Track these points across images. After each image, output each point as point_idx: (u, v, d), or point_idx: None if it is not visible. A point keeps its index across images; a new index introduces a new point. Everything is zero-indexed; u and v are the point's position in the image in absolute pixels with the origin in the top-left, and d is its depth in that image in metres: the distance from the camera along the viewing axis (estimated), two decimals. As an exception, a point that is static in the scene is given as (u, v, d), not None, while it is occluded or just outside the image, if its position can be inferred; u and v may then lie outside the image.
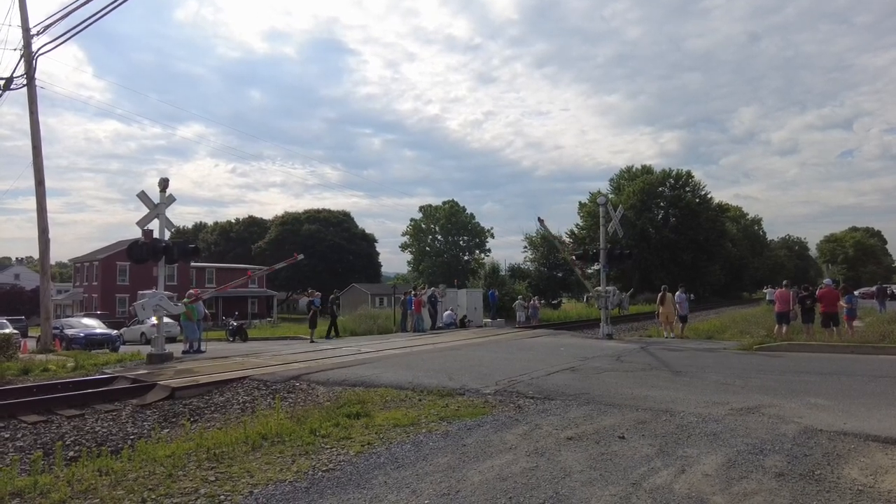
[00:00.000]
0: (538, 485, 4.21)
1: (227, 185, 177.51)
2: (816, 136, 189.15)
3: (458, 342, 16.47)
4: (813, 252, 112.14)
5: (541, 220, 27.33)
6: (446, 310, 25.71)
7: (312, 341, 19.02)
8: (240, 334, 25.55)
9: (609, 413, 6.58)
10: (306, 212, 75.88)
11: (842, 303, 15.32)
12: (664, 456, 4.85)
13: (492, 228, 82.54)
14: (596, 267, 20.85)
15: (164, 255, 13.26)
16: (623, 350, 13.50)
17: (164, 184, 13.45)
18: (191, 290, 17.28)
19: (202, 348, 16.06)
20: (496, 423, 6.25)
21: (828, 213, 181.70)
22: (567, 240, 64.18)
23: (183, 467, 4.94)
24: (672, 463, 4.65)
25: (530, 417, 6.47)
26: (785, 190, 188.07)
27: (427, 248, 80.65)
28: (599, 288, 18.06)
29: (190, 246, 14.98)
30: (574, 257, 20.72)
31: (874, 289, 32.19)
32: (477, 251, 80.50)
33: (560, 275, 58.57)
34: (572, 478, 4.35)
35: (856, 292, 24.82)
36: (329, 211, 76.74)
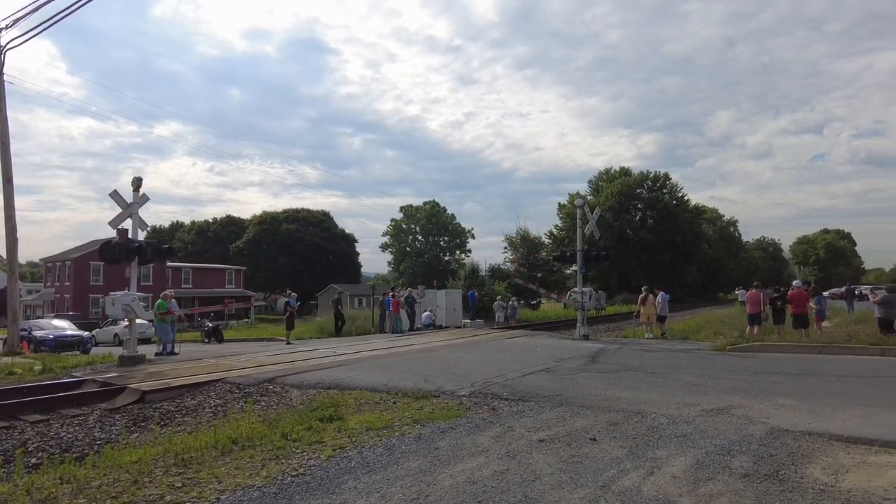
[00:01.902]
0: (508, 488, 4.22)
1: (204, 184, 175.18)
2: (790, 141, 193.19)
3: (436, 343, 16.45)
4: (787, 253, 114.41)
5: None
6: (425, 311, 25.67)
7: (289, 343, 18.84)
8: (215, 336, 25.20)
9: (582, 415, 6.63)
10: (285, 211, 75.13)
11: (811, 304, 15.64)
12: (634, 458, 4.89)
13: (472, 229, 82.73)
14: (574, 268, 20.97)
15: (138, 256, 13.04)
16: (598, 351, 13.61)
17: (137, 183, 13.22)
18: (166, 291, 17.01)
19: (176, 350, 15.81)
20: (470, 425, 6.25)
21: (801, 215, 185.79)
22: (546, 241, 64.66)
23: (149, 473, 4.85)
24: (642, 465, 4.69)
25: (504, 419, 6.48)
26: (760, 192, 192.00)
27: (408, 249, 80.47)
28: (576, 289, 18.19)
29: (164, 246, 14.77)
30: (552, 258, 20.81)
31: (843, 290, 32.96)
32: (457, 252, 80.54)
33: (539, 275, 58.91)
34: (542, 480, 4.37)
35: (826, 293, 25.38)
36: (308, 211, 76.07)
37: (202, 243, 79.35)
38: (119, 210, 12.95)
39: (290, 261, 67.25)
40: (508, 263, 59.30)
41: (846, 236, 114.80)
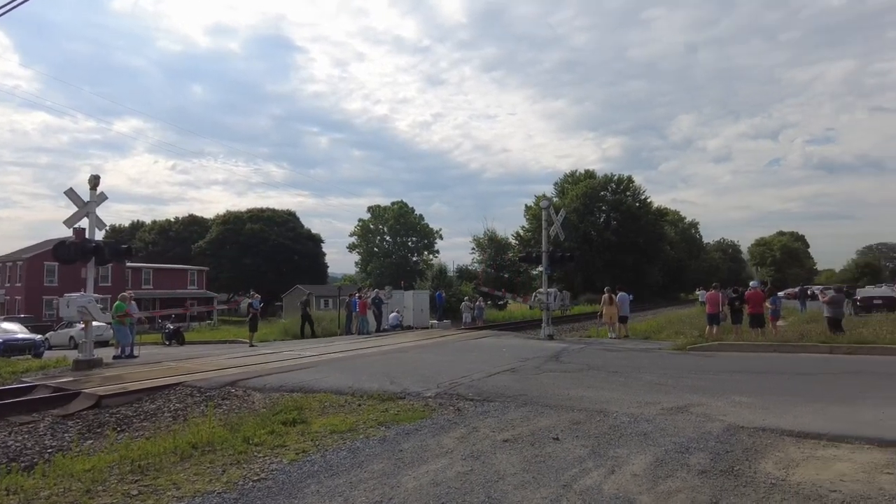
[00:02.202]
0: (471, 489, 4.23)
1: (166, 183, 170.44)
2: (748, 145, 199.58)
3: (403, 345, 16.41)
4: (745, 255, 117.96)
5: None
6: (392, 312, 25.57)
7: (252, 345, 18.52)
8: (176, 338, 24.57)
9: (546, 414, 6.70)
10: (249, 211, 73.83)
11: (767, 304, 16.15)
12: (596, 457, 4.97)
13: (440, 230, 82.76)
14: (540, 269, 21.20)
15: (94, 256, 12.65)
16: (563, 350, 13.78)
17: (94, 181, 12.81)
18: (124, 292, 16.52)
19: (135, 353, 15.38)
20: (435, 426, 6.25)
21: (758, 217, 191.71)
22: (513, 242, 65.19)
23: (103, 482, 4.70)
24: (603, 463, 4.77)
25: (469, 420, 6.51)
26: (720, 195, 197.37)
27: (375, 249, 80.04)
28: (541, 290, 18.39)
29: (123, 246, 14.36)
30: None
31: (797, 290, 34.17)
32: (425, 252, 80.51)
33: (507, 276, 59.34)
34: (506, 481, 4.40)
35: (781, 293, 26.24)
36: (273, 210, 74.91)
37: (164, 243, 77.38)
38: (75, 209, 12.53)
39: (254, 261, 66.12)
40: (476, 264, 59.66)
41: (800, 238, 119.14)
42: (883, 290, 31.13)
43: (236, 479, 4.70)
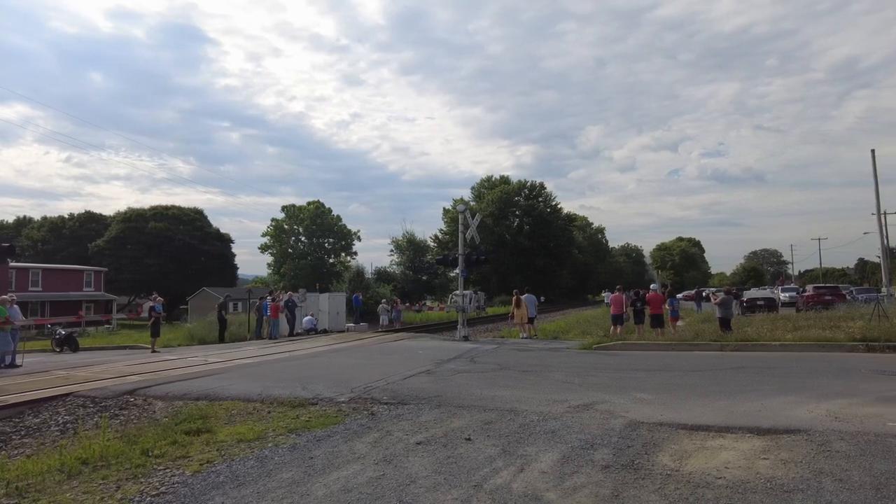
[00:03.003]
0: (383, 494, 4.20)
1: (59, 176, 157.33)
2: (651, 156, 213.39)
3: (317, 349, 16.05)
4: (648, 259, 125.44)
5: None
6: (306, 315, 24.95)
7: (154, 351, 17.44)
8: (69, 344, 22.63)
9: (459, 415, 6.78)
10: (153, 208, 69.36)
11: (666, 305, 17.25)
12: (506, 456, 5.08)
13: (359, 231, 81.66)
14: (456, 271, 21.45)
15: (-34, 256, 11.41)
16: (477, 351, 14.02)
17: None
18: (4, 296, 15.01)
19: (17, 362, 14.03)
20: (347, 432, 6.16)
21: (660, 224, 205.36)
22: (432, 244, 65.63)
23: (-27, 506, 4.25)
24: (513, 462, 4.89)
25: (382, 424, 6.46)
26: (625, 202, 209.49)
27: (290, 250, 77.68)
28: (457, 292, 18.62)
29: (4, 244, 13.08)
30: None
31: (693, 292, 36.74)
32: (343, 254, 79.21)
33: (425, 278, 59.66)
34: (417, 484, 4.40)
35: (680, 295, 28.11)
36: (179, 208, 70.81)
37: (56, 241, 71.08)
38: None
39: (158, 262, 62.20)
40: (395, 266, 59.50)
41: (697, 244, 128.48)
42: (765, 292, 34.09)
43: (132, 494, 4.40)
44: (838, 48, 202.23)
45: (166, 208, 69.49)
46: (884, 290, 28.90)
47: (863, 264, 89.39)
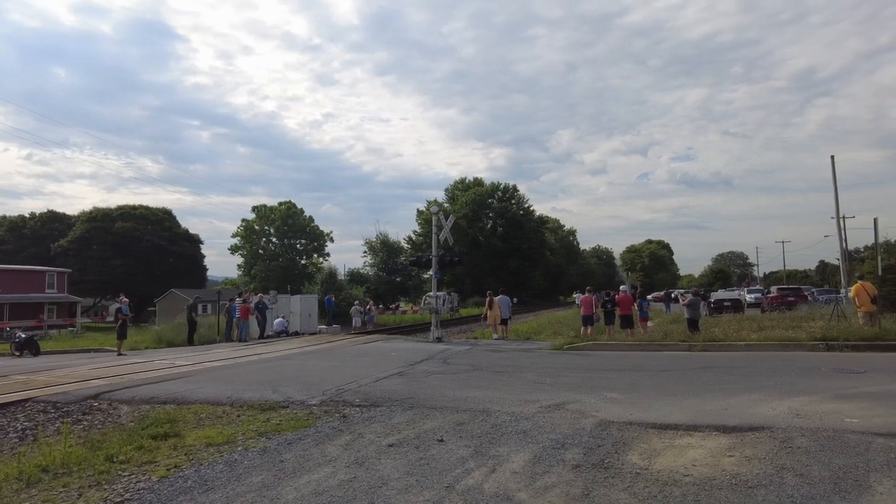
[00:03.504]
0: (354, 496, 4.17)
1: (20, 174, 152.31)
2: (621, 160, 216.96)
3: (288, 351, 15.87)
4: (618, 261, 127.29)
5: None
6: (277, 317, 24.64)
7: (120, 354, 17.01)
8: (29, 347, 21.89)
9: (431, 416, 6.77)
10: (120, 207, 67.57)
11: (635, 306, 17.52)
12: (478, 456, 5.10)
13: (331, 232, 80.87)
14: (430, 273, 21.45)
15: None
16: (451, 352, 14.04)
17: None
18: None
19: (-28, 367, 13.54)
20: (319, 434, 6.10)
21: (630, 226, 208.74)
22: (406, 246, 65.49)
23: (-76, 517, 4.08)
24: (485, 463, 4.90)
25: (354, 426, 6.42)
26: (596, 205, 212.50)
27: (260, 252, 76.56)
28: (430, 294, 18.63)
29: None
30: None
31: (662, 293, 37.42)
32: (315, 255, 78.42)
33: (398, 279, 59.51)
34: (389, 486, 4.38)
35: (648, 297, 28.59)
36: (147, 208, 69.16)
37: (16, 241, 68.70)
38: None
39: (125, 262, 60.63)
40: (368, 268, 59.19)
41: (666, 246, 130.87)
42: (732, 294, 34.91)
43: (95, 502, 4.29)
44: (799, 58, 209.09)
45: (134, 208, 67.84)
46: (843, 291, 29.87)
47: (823, 266, 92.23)
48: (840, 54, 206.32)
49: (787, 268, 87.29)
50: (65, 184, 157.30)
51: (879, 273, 19.55)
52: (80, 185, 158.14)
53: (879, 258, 26.46)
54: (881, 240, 31.99)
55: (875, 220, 32.56)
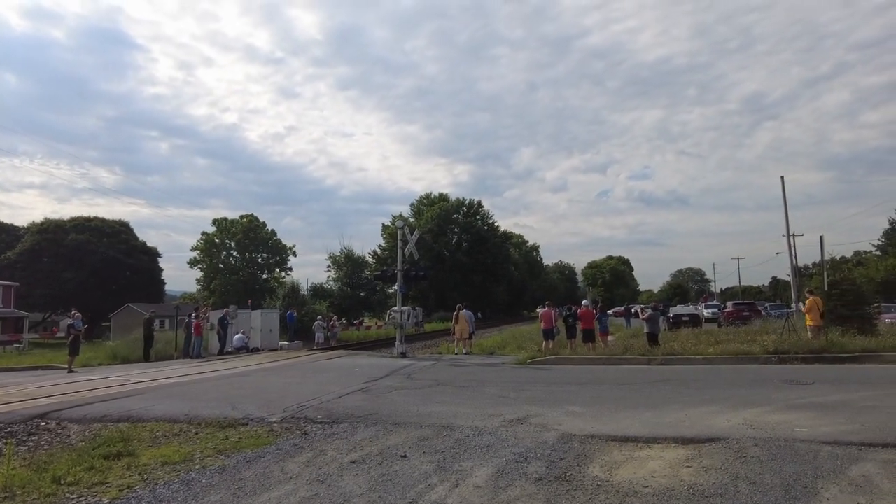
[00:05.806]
0: (316, 514, 4.11)
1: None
2: (580, 178, 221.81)
3: (248, 367, 15.52)
4: (579, 276, 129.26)
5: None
6: (237, 332, 24.08)
7: (71, 371, 16.33)
8: (-31, 366, 20.86)
9: (395, 432, 6.72)
10: (73, 219, 65.16)
11: (596, 321, 17.79)
12: (441, 472, 5.08)
13: (294, 246, 79.42)
14: (395, 287, 21.35)
15: None
16: (415, 368, 13.97)
17: None
18: None
19: None
20: (279, 452, 5.98)
21: (590, 242, 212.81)
22: (371, 260, 65.05)
23: None
24: (448, 478, 4.89)
25: (316, 443, 6.32)
26: (557, 222, 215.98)
27: (221, 265, 74.84)
28: (395, 308, 18.54)
29: None
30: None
31: (623, 308, 38.12)
32: (277, 269, 77.06)
33: (363, 294, 58.92)
34: (351, 503, 4.33)
35: (609, 311, 29.07)
36: (102, 219, 66.92)
37: (-43, 253, 65.53)
38: None
39: (77, 276, 58.32)
40: (332, 282, 58.49)
41: (626, 262, 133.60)
42: (690, 309, 35.81)
43: (40, 527, 4.10)
44: (748, 82, 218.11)
45: (88, 219, 65.56)
46: (793, 306, 31.00)
47: (776, 282, 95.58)
48: (783, 81, 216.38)
49: (742, 283, 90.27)
50: (12, 193, 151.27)
51: (825, 289, 20.38)
52: (29, 195, 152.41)
53: (825, 274, 27.62)
54: (827, 256, 33.43)
55: (821, 238, 34.21)
